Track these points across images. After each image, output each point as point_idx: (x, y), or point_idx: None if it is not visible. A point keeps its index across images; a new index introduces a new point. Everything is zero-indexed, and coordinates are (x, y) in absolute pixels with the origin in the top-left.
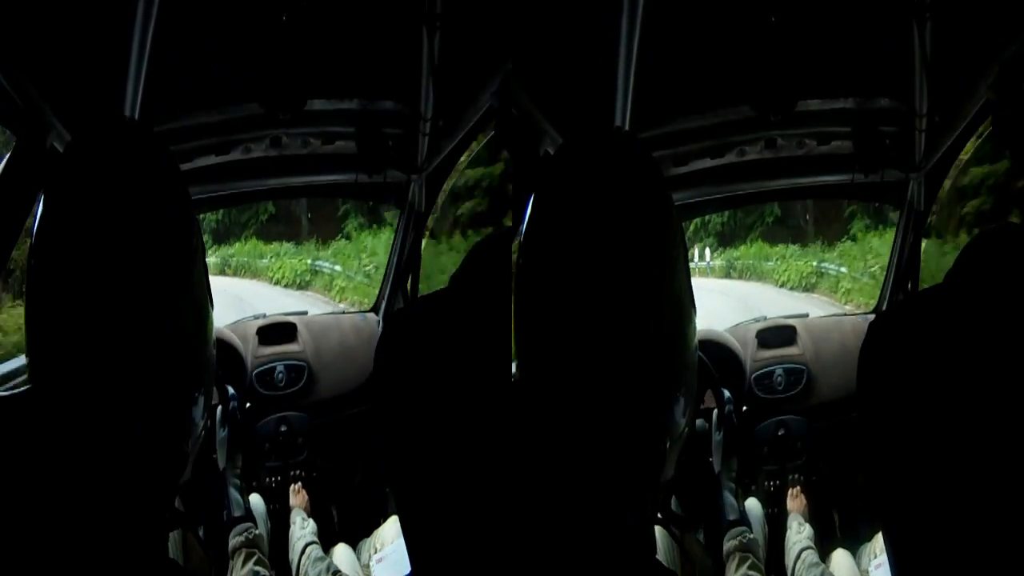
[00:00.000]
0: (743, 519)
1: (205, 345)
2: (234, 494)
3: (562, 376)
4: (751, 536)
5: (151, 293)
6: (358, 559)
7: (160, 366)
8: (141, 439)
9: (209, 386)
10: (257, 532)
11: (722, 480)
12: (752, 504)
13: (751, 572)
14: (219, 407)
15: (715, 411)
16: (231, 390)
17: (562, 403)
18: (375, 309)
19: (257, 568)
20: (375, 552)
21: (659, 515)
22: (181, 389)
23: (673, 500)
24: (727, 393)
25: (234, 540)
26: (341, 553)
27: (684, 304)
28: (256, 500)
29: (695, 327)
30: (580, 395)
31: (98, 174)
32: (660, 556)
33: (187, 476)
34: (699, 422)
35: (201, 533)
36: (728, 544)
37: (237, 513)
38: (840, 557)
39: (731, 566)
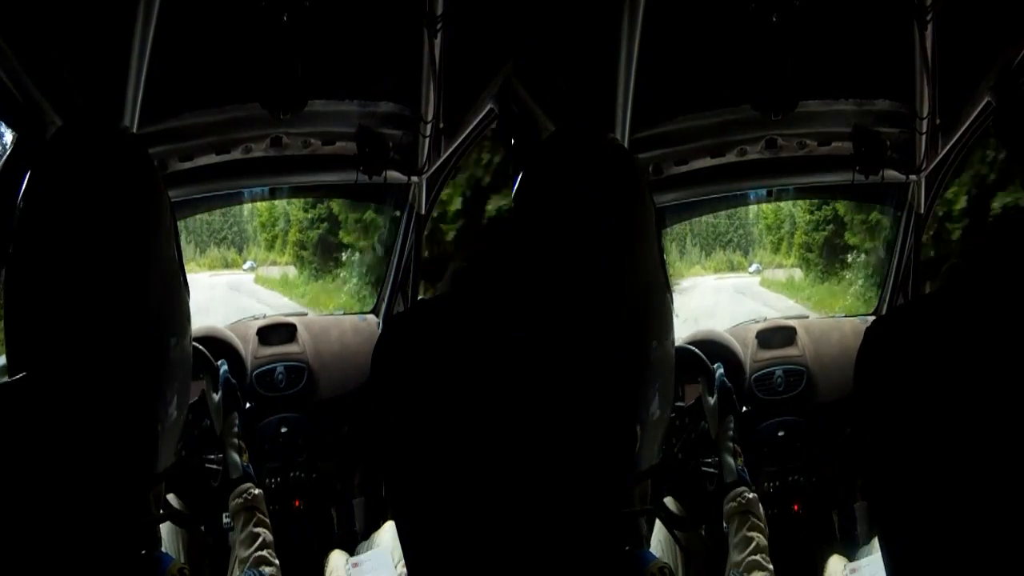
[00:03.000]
0: (742, 479)
1: (179, 337)
2: (232, 456)
3: (533, 364)
4: (750, 496)
5: (112, 281)
6: None
7: (123, 354)
8: (108, 420)
9: (184, 377)
10: (256, 492)
11: (720, 443)
12: None
13: (751, 533)
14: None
15: (702, 378)
16: (220, 361)
17: (534, 390)
18: (375, 311)
19: (257, 530)
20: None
21: (652, 506)
22: (148, 375)
23: (673, 501)
24: (717, 366)
25: (234, 502)
26: (336, 560)
27: (652, 294)
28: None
29: (670, 318)
30: (546, 383)
31: (70, 172)
32: (660, 556)
33: (168, 462)
34: (700, 423)
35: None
36: (728, 507)
37: (235, 475)
38: (836, 564)
39: (732, 528)
